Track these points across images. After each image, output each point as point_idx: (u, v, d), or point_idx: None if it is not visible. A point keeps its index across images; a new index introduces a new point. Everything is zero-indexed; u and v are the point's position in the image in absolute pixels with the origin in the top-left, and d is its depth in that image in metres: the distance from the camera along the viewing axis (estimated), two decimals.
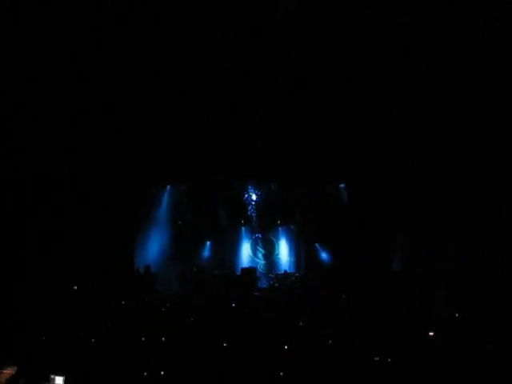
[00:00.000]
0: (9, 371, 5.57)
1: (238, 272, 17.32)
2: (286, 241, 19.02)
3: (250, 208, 18.65)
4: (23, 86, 11.07)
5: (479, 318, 10.68)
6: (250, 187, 18.50)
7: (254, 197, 18.57)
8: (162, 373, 8.05)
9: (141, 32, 9.79)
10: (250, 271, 17.15)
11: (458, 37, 10.03)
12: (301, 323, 11.12)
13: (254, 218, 18.76)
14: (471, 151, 12.30)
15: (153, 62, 10.90)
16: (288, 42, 9.96)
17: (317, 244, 17.99)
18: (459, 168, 12.89)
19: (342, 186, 16.92)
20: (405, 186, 14.39)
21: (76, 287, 13.54)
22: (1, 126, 11.70)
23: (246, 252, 19.14)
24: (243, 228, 19.22)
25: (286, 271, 17.74)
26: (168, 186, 18.36)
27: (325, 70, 10.99)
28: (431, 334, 10.03)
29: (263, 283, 17.76)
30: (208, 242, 18.87)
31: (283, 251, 19.03)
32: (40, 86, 11.32)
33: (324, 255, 17.82)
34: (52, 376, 6.54)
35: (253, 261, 18.97)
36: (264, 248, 19.20)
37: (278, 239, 19.17)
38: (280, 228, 19.09)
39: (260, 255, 19.18)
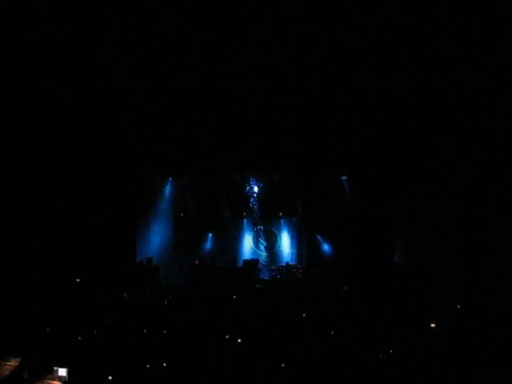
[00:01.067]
0: (12, 363, 5.63)
1: (240, 264, 17.36)
2: (288, 233, 19.06)
3: (251, 200, 18.65)
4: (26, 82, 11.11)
5: (481, 310, 10.69)
6: (251, 179, 18.49)
7: (255, 189, 18.57)
8: (164, 364, 8.10)
9: (144, 28, 9.79)
10: (252, 263, 17.20)
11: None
12: (303, 315, 11.16)
13: (256, 210, 18.77)
14: (472, 145, 12.31)
15: (157, 58, 10.91)
16: (287, 37, 9.94)
17: (319, 236, 18.01)
18: (460, 161, 12.88)
19: (343, 178, 16.89)
20: (406, 178, 14.38)
21: (78, 280, 13.59)
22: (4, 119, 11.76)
23: (247, 244, 19.21)
24: (245, 220, 19.27)
25: (287, 263, 17.77)
26: (170, 178, 18.37)
27: (326, 62, 10.96)
28: (433, 325, 10.07)
29: (265, 275, 17.81)
30: (210, 234, 18.93)
31: (285, 243, 19.06)
32: (45, 79, 11.34)
33: (326, 247, 17.83)
34: (55, 368, 6.62)
35: (255, 253, 19.03)
36: (266, 240, 19.24)
37: (279, 231, 19.20)
38: (282, 220, 19.12)
39: (262, 247, 19.23)
